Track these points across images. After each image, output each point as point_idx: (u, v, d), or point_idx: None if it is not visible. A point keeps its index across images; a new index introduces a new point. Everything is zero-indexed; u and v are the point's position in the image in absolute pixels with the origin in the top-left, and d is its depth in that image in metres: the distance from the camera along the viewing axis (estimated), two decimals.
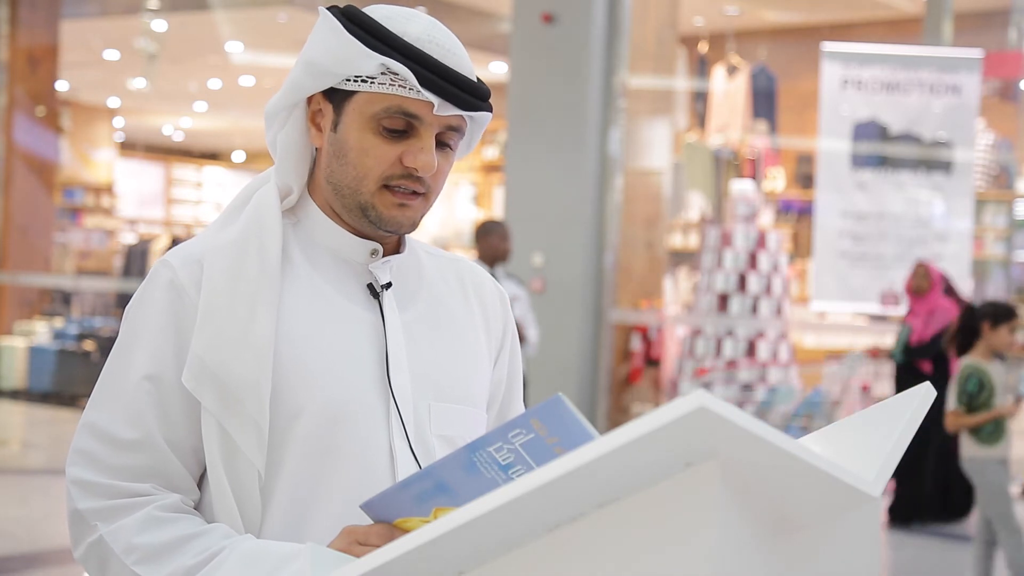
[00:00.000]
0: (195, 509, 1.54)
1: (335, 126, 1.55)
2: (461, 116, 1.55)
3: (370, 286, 1.60)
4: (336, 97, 1.55)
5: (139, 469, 1.50)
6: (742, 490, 1.10)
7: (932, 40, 9.32)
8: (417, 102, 1.51)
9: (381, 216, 1.55)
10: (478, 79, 1.56)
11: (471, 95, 1.53)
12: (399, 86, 1.51)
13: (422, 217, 1.60)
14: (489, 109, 1.57)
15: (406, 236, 1.67)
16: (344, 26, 1.52)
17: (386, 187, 1.54)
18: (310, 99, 1.58)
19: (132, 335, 1.54)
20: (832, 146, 8.83)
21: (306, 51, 1.56)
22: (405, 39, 1.51)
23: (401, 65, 1.49)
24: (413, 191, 1.54)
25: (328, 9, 1.56)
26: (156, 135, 20.87)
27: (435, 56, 1.51)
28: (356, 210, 1.56)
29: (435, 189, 1.57)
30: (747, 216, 9.01)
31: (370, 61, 1.50)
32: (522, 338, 7.09)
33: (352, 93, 1.53)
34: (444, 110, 1.51)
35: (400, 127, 1.52)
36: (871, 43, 9.44)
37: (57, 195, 14.36)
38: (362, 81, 1.52)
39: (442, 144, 1.55)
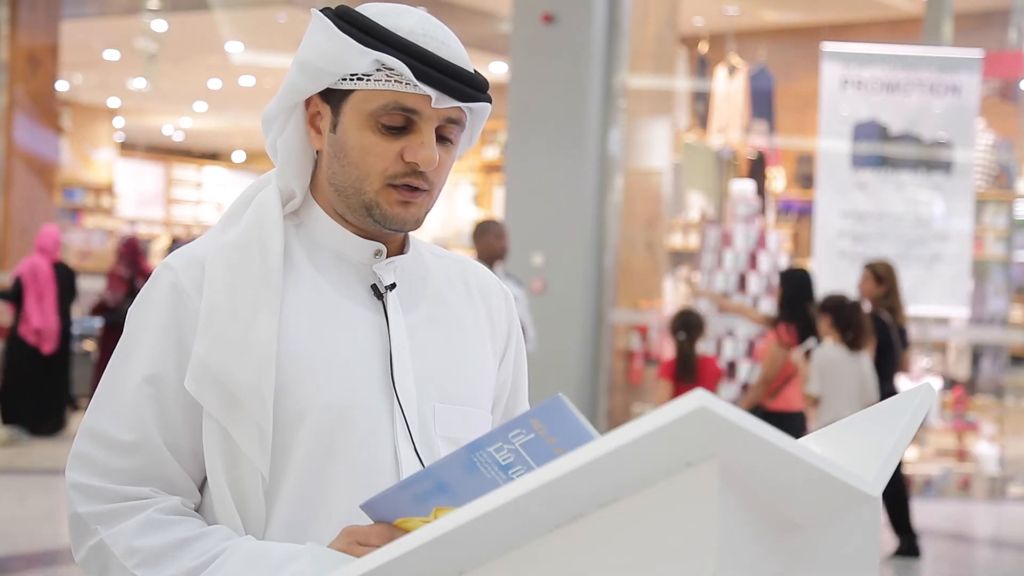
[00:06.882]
0: (196, 511, 1.53)
1: (334, 127, 1.54)
2: (460, 108, 1.54)
3: (374, 287, 1.59)
4: (333, 98, 1.54)
5: (138, 472, 1.49)
6: (742, 490, 1.10)
7: (932, 40, 9.32)
8: (415, 96, 1.50)
9: (386, 214, 1.54)
10: (475, 70, 1.55)
11: (468, 86, 1.52)
12: (395, 81, 1.50)
13: (426, 213, 1.59)
14: (488, 100, 1.55)
15: (410, 237, 1.66)
16: (337, 25, 1.51)
17: (390, 185, 1.53)
18: (308, 102, 1.57)
19: (133, 338, 1.54)
20: (832, 146, 8.82)
21: (300, 53, 1.55)
22: (398, 34, 1.50)
23: (396, 60, 1.48)
24: (416, 187, 1.53)
25: (320, 10, 1.55)
26: (156, 135, 20.86)
27: (429, 49, 1.50)
28: (360, 210, 1.55)
29: (438, 184, 1.56)
30: (747, 216, 9.01)
31: (364, 58, 1.49)
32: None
33: (349, 92, 1.52)
34: (442, 103, 1.50)
35: (399, 123, 1.51)
36: (871, 43, 9.44)
37: (57, 195, 14.35)
38: (358, 79, 1.51)
39: (442, 138, 1.54)
